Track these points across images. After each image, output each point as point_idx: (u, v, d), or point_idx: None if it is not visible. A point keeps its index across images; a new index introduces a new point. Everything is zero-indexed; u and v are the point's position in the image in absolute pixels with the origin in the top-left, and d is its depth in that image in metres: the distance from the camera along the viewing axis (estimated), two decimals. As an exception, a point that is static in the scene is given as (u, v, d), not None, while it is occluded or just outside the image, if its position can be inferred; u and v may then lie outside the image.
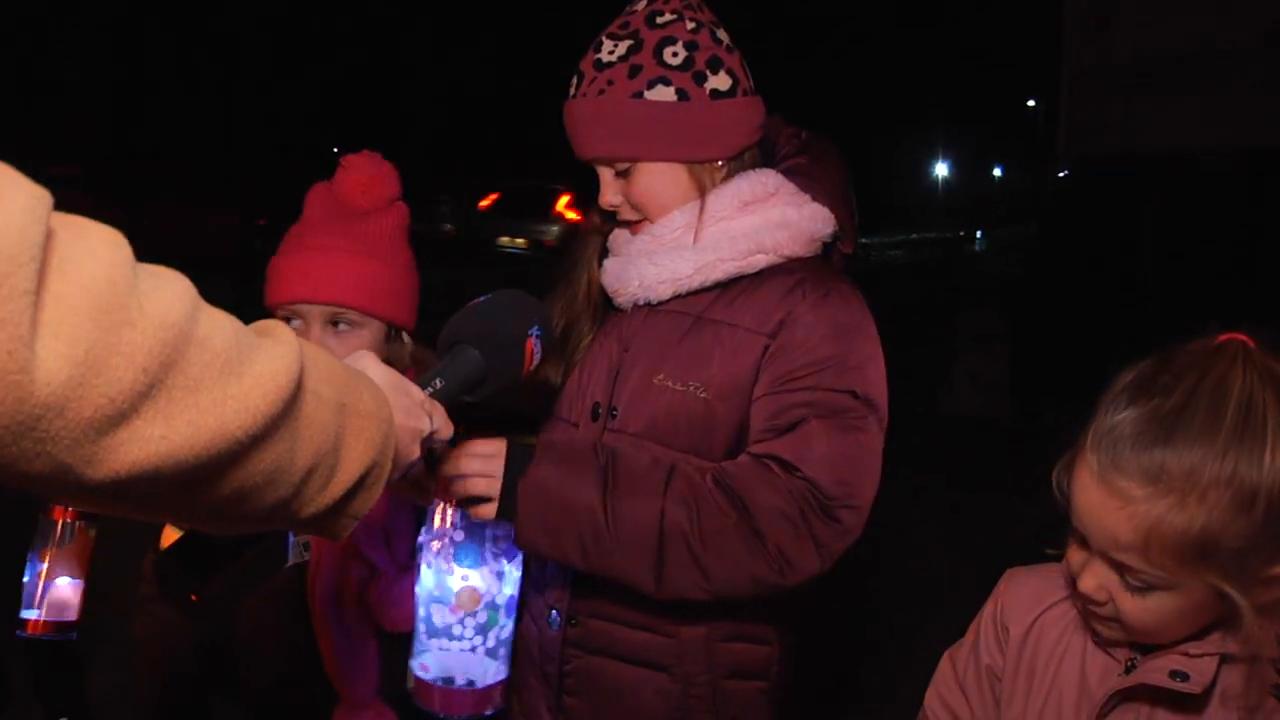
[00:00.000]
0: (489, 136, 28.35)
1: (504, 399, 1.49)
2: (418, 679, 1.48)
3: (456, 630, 1.47)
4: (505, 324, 1.30)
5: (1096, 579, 1.18)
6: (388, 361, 1.85)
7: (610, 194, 1.63)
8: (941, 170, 49.48)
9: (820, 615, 1.87)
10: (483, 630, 1.48)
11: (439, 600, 1.48)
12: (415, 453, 1.09)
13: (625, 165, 1.59)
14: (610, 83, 1.54)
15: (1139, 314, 7.42)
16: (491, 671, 1.50)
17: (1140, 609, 1.15)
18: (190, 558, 1.06)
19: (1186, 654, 1.15)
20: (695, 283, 1.57)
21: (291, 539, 1.13)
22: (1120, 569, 1.14)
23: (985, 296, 12.40)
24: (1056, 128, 8.96)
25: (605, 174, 1.63)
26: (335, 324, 1.75)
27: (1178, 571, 1.10)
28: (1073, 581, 1.23)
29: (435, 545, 1.50)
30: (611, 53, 1.56)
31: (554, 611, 1.64)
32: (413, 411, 1.08)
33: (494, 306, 1.31)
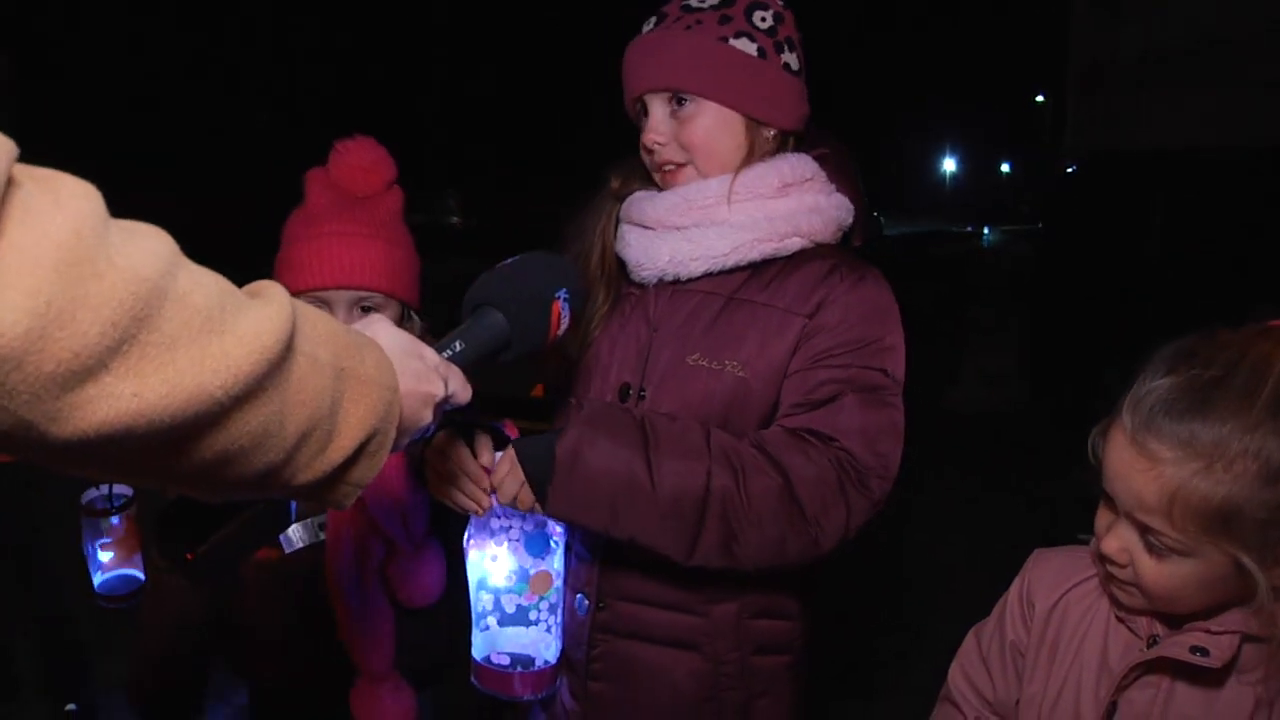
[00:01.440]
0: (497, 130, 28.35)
1: (528, 363, 1.49)
2: (491, 669, 1.50)
3: (533, 615, 1.49)
4: (532, 286, 1.25)
5: (1120, 541, 1.20)
6: None
7: (658, 130, 1.61)
8: (949, 165, 49.38)
9: (831, 604, 1.88)
10: (554, 609, 1.51)
11: (510, 589, 1.50)
12: (427, 418, 1.06)
13: (689, 101, 1.58)
14: (699, 22, 1.57)
15: (1146, 309, 7.41)
16: (559, 646, 1.53)
17: (1158, 573, 1.17)
18: (187, 515, 1.03)
19: (1208, 631, 1.16)
20: (730, 261, 1.57)
21: (294, 506, 1.12)
22: (1143, 531, 1.16)
23: (993, 292, 12.38)
24: (1064, 123, 8.94)
25: (659, 109, 1.61)
26: (361, 308, 1.76)
27: (1199, 538, 1.12)
28: (1097, 546, 1.25)
29: (503, 536, 1.50)
30: (702, 1, 1.59)
31: (580, 596, 1.63)
32: (424, 376, 1.05)
33: (521, 268, 1.27)
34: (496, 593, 1.51)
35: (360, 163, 1.80)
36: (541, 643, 1.52)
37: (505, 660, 1.50)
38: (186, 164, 20.73)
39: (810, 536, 1.43)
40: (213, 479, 0.83)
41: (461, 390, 1.12)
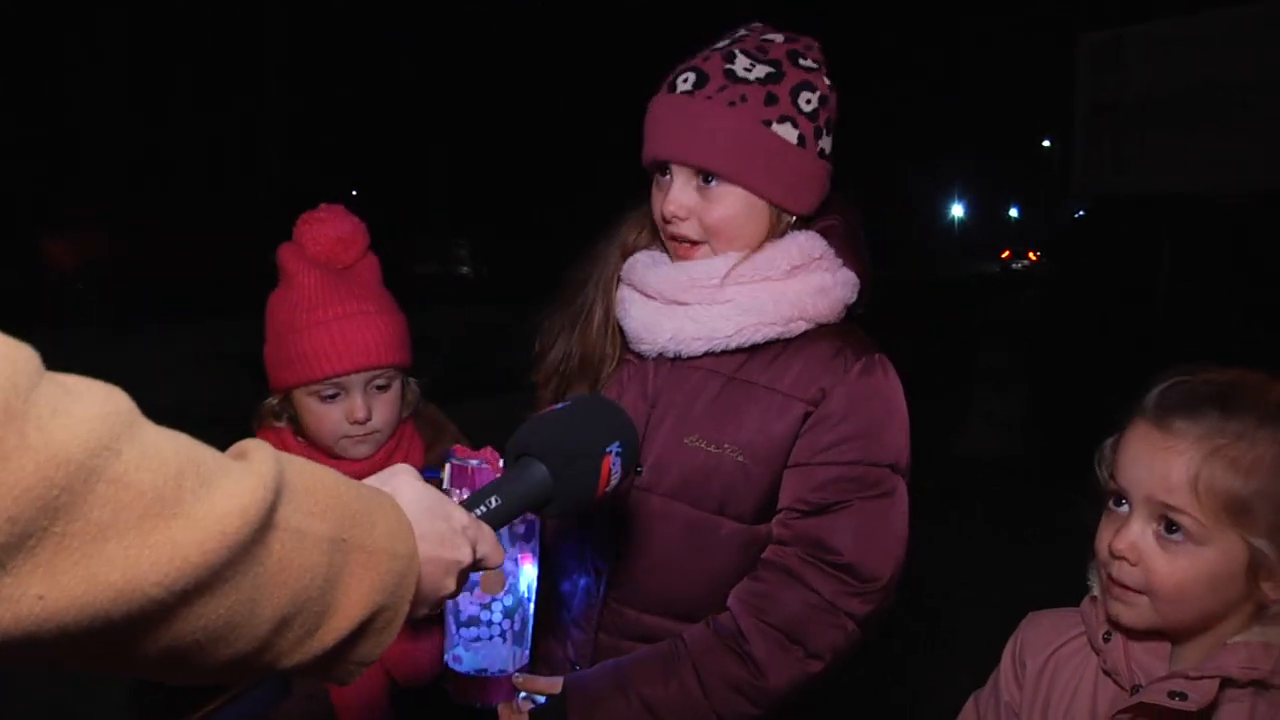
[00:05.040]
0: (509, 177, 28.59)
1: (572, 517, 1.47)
2: (452, 672, 1.48)
3: (484, 616, 1.46)
4: (581, 438, 1.14)
5: (1131, 537, 1.22)
6: (405, 404, 1.83)
7: (678, 203, 1.55)
8: (957, 210, 49.53)
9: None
10: (509, 615, 1.47)
11: (466, 588, 1.47)
12: (449, 587, 0.97)
13: (718, 182, 1.53)
14: (744, 99, 1.51)
15: (1155, 352, 7.39)
16: (519, 657, 1.49)
17: (1170, 569, 1.19)
18: (167, 690, 0.88)
19: (1186, 676, 1.19)
20: (733, 343, 1.54)
21: None
22: (1163, 514, 1.19)
23: (1001, 336, 12.35)
24: (1071, 167, 8.98)
25: (683, 182, 1.55)
26: (377, 385, 1.77)
27: (1219, 520, 1.15)
28: (1103, 554, 1.27)
29: None
30: (749, 70, 1.53)
31: (577, 668, 1.61)
32: (448, 540, 0.95)
33: (569, 416, 1.18)
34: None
35: (338, 234, 1.78)
36: (498, 650, 1.48)
37: (462, 665, 1.47)
38: (197, 208, 20.92)
39: (828, 664, 1.46)
40: (164, 674, 0.73)
41: (493, 553, 1.03)
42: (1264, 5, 7.18)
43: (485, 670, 1.48)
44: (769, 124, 1.51)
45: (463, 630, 1.47)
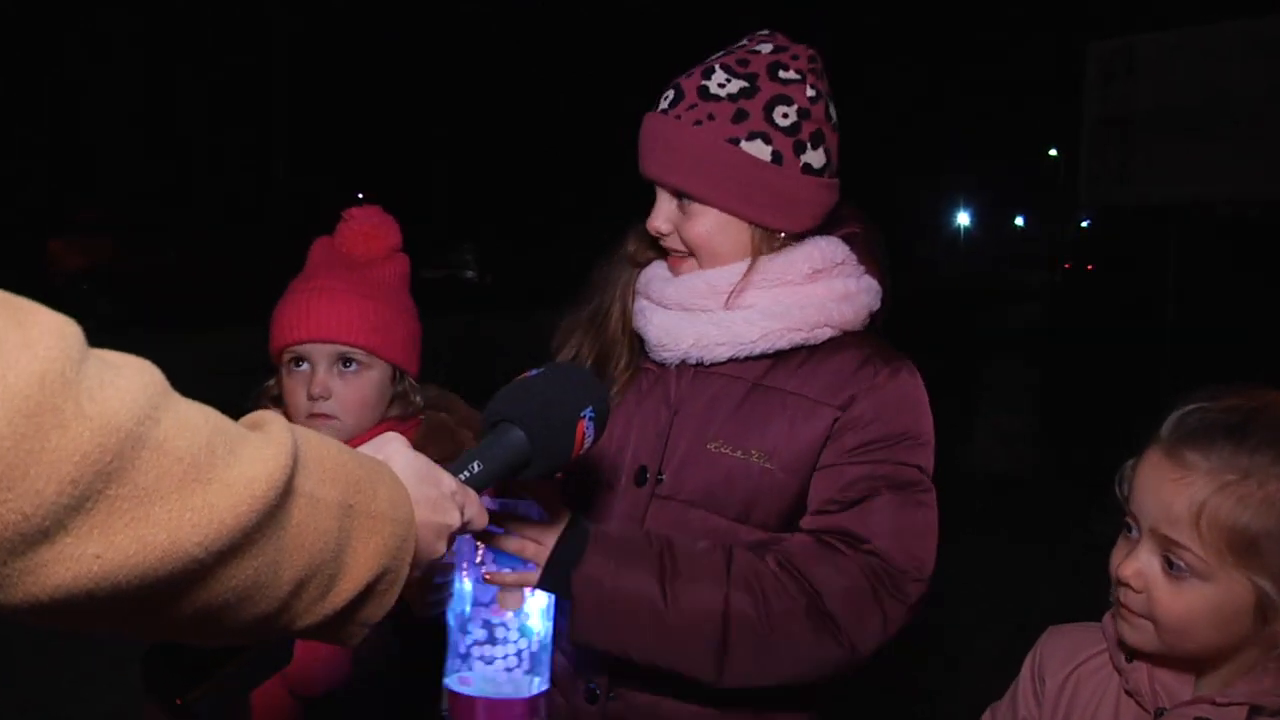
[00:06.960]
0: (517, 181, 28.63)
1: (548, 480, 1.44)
2: (457, 695, 1.40)
3: (500, 634, 1.41)
4: (555, 402, 1.20)
5: (1138, 564, 1.19)
6: (394, 405, 1.82)
7: (662, 220, 1.56)
8: (963, 219, 49.54)
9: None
10: (526, 634, 1.42)
11: (481, 604, 1.42)
12: (440, 549, 1.00)
13: (691, 201, 1.53)
14: (711, 116, 1.49)
15: (1162, 362, 7.38)
16: (536, 682, 1.43)
17: (1174, 601, 1.16)
18: (175, 655, 0.92)
19: (1213, 702, 1.16)
20: (758, 349, 1.52)
21: None
22: (1166, 549, 1.16)
23: (1007, 348, 12.32)
24: (1078, 177, 8.97)
25: (665, 199, 1.56)
26: (344, 364, 1.77)
27: (1223, 558, 1.12)
28: (1112, 575, 1.25)
29: (475, 552, 1.43)
30: (722, 86, 1.50)
31: (590, 685, 1.55)
32: (439, 505, 1.00)
33: (544, 382, 1.22)
34: (464, 611, 1.42)
35: (362, 228, 1.83)
36: (512, 670, 1.41)
37: (470, 688, 1.40)
38: (202, 214, 20.99)
39: (846, 649, 1.40)
40: (195, 632, 0.77)
41: (478, 516, 1.08)
42: (1275, 17, 7.17)
43: (498, 692, 1.40)
44: (737, 141, 1.49)
45: (475, 648, 1.41)
